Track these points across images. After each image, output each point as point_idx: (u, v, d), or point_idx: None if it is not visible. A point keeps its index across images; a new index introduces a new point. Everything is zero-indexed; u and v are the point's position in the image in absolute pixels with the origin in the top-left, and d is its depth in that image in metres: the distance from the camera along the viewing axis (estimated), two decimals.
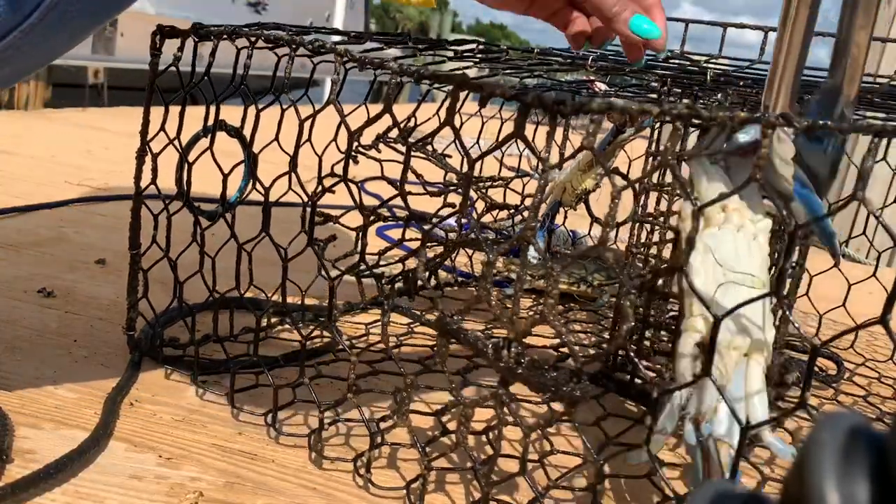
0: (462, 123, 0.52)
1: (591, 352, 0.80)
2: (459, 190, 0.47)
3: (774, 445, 0.42)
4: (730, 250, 0.45)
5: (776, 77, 0.46)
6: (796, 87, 0.47)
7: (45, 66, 0.50)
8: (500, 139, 0.42)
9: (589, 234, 1.06)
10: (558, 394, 0.39)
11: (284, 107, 0.53)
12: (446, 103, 0.44)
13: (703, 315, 0.44)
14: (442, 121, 0.43)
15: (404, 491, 0.48)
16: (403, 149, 0.46)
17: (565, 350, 0.74)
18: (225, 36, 0.54)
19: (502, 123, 0.94)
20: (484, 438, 0.56)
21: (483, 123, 0.96)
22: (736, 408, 0.41)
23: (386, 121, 0.47)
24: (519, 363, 0.40)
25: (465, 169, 0.41)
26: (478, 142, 0.93)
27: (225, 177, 0.55)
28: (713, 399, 0.42)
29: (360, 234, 0.49)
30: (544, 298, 0.39)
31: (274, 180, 0.53)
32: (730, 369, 0.43)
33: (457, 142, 0.45)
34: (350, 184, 0.48)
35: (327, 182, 0.51)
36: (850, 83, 0.45)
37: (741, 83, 0.72)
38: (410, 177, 0.47)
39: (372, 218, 0.49)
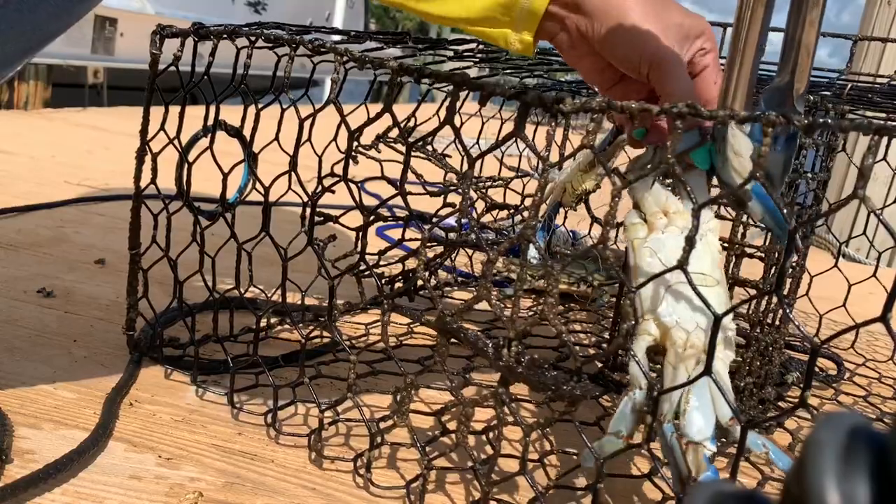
0: (462, 123, 0.52)
1: (591, 352, 0.80)
2: (459, 190, 0.47)
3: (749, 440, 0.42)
4: (675, 253, 0.45)
5: (733, 75, 0.46)
6: (753, 84, 0.47)
7: (34, 50, 0.49)
8: (500, 139, 0.42)
9: (589, 234, 1.06)
10: (558, 393, 0.39)
11: (284, 107, 0.53)
12: (446, 103, 0.44)
13: (654, 318, 0.45)
14: (442, 121, 0.43)
15: (404, 491, 0.47)
16: (403, 149, 0.46)
17: (565, 350, 0.74)
18: (225, 36, 0.54)
19: (502, 123, 0.93)
20: (484, 438, 0.56)
21: (483, 123, 0.96)
22: (704, 409, 0.41)
23: (386, 121, 0.47)
24: (519, 362, 0.40)
25: (465, 168, 0.41)
26: (478, 142, 0.93)
27: (225, 177, 0.55)
28: (673, 400, 0.42)
29: (360, 234, 0.49)
30: (544, 298, 0.39)
31: (274, 180, 0.53)
32: (690, 369, 0.43)
33: (457, 141, 0.45)
34: (350, 184, 0.48)
35: (327, 182, 0.51)
36: (800, 77, 0.45)
37: None
38: (410, 177, 0.47)
39: (372, 218, 0.49)
